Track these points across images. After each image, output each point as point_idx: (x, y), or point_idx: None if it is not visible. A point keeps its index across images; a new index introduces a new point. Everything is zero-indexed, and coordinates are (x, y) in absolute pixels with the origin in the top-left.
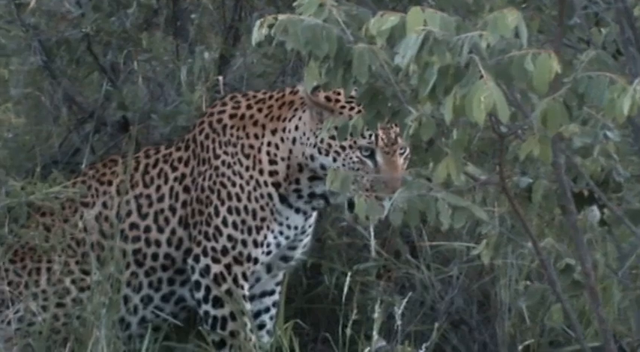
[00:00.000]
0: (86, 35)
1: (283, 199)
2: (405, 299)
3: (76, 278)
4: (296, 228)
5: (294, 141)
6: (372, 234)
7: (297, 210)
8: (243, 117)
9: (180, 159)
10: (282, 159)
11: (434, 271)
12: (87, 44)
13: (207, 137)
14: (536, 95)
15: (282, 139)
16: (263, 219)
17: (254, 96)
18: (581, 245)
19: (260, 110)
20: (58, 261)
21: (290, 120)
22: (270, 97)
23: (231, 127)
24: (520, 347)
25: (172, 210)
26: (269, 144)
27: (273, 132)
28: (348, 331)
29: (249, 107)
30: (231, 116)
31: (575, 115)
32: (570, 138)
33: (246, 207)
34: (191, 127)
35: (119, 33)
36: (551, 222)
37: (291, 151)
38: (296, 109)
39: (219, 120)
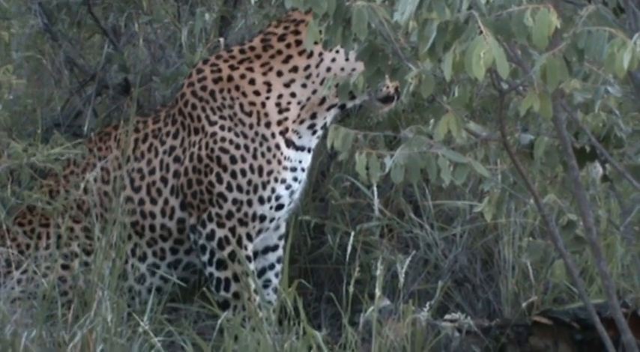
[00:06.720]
0: None
1: (290, 143)
2: (409, 258)
3: (83, 242)
4: (303, 170)
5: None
6: (376, 193)
7: (309, 150)
8: (231, 78)
9: (168, 134)
10: (299, 102)
11: (437, 230)
12: (88, 7)
13: (194, 107)
14: (536, 51)
15: (303, 85)
16: (270, 173)
17: (232, 57)
18: (583, 200)
19: (251, 69)
20: (62, 222)
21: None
22: (252, 49)
23: (221, 91)
24: (524, 305)
25: (164, 180)
26: (279, 96)
27: (287, 84)
28: (351, 290)
29: (232, 68)
30: (216, 80)
31: (575, 71)
32: (571, 94)
33: (251, 166)
34: (173, 102)
35: None
36: (553, 178)
37: (315, 91)
38: (311, 54)
39: (204, 88)
